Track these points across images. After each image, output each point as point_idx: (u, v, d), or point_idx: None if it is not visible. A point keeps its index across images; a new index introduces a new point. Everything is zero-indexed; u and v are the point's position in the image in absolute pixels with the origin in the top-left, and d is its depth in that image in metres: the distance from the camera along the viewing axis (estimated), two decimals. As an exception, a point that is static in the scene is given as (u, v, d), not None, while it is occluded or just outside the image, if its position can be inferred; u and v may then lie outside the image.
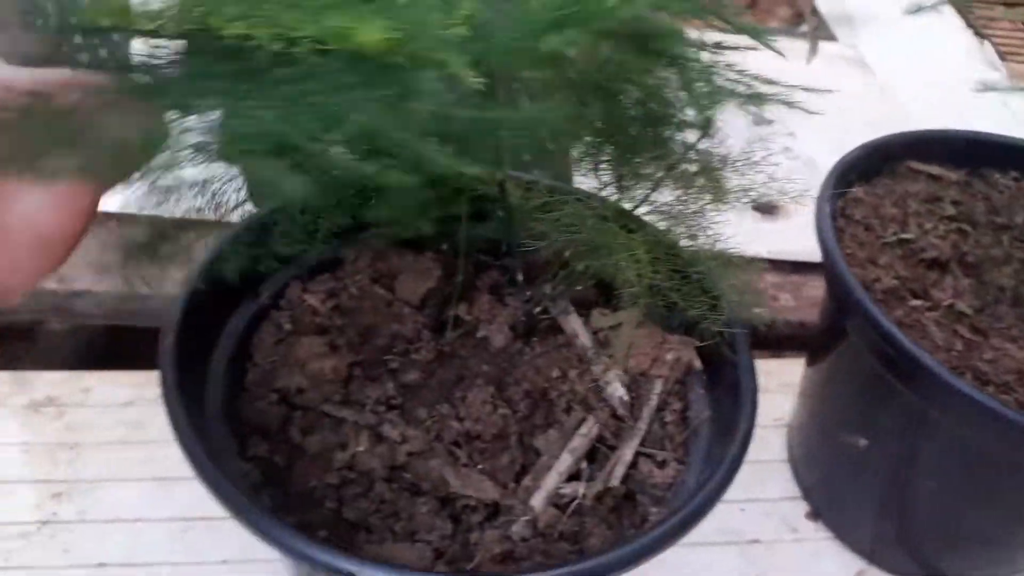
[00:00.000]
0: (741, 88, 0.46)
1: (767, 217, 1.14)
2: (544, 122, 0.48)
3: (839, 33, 1.58)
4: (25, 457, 0.84)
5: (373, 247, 0.70)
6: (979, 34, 1.63)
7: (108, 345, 1.07)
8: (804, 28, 1.21)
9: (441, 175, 0.51)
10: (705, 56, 0.48)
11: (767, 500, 0.88)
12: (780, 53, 0.46)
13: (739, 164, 0.56)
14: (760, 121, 1.42)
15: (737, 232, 0.61)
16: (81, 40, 0.97)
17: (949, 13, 1.72)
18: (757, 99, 0.45)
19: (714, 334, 0.58)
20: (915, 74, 1.47)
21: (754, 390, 0.57)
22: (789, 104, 0.47)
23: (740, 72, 0.48)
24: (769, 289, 1.08)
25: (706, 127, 0.51)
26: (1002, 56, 1.57)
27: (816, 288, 1.09)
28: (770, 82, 0.47)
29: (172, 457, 0.85)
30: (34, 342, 1.12)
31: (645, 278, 0.52)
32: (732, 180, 0.57)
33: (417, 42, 0.41)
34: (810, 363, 0.85)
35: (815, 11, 1.65)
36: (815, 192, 0.76)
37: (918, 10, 1.39)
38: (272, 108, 0.40)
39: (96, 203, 0.38)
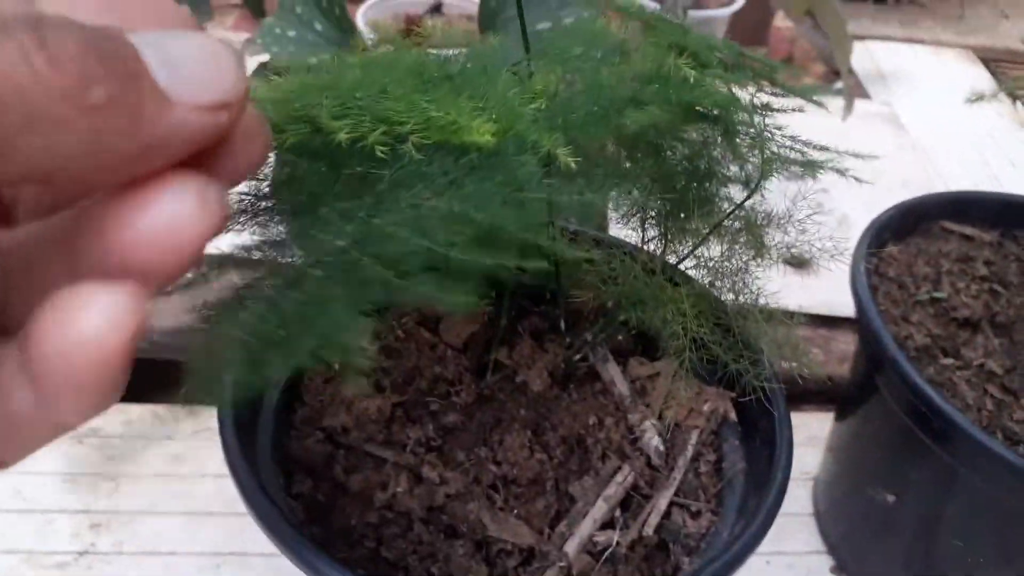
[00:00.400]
0: (795, 155, 0.48)
1: (798, 271, 1.15)
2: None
3: (873, 91, 1.60)
4: (67, 487, 0.86)
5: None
6: (1012, 95, 1.65)
7: (154, 378, 1.09)
8: (839, 85, 1.23)
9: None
10: (756, 119, 0.50)
11: (792, 553, 0.88)
12: (826, 109, 0.48)
13: (782, 222, 0.58)
14: (793, 176, 1.44)
15: (768, 286, 0.63)
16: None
17: (981, 74, 1.74)
18: (811, 167, 0.47)
19: (751, 387, 0.60)
20: (948, 133, 1.49)
21: (790, 443, 0.58)
22: (841, 172, 0.48)
23: (792, 138, 0.50)
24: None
25: (753, 186, 0.53)
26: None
27: (845, 343, 1.10)
28: (823, 148, 0.49)
29: (207, 492, 0.88)
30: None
31: (690, 331, 0.54)
32: (774, 237, 0.58)
33: (518, 126, 0.42)
34: (839, 418, 0.86)
35: (851, 69, 1.67)
36: (849, 248, 0.78)
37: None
38: (403, 223, 0.40)
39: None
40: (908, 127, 1.48)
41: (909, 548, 0.77)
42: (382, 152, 0.39)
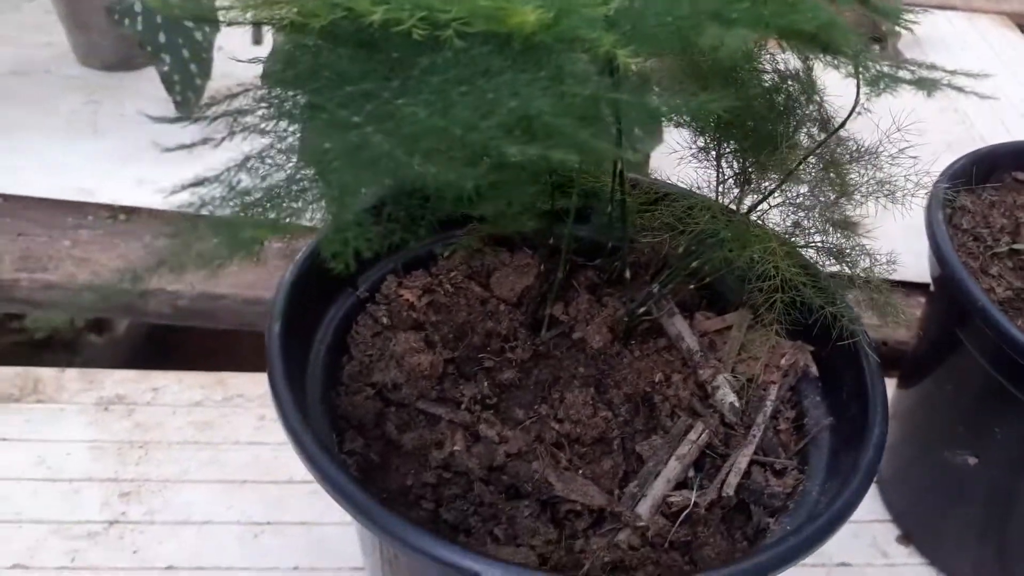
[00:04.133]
0: (905, 74, 0.44)
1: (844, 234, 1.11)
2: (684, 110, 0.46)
3: (909, 56, 1.55)
4: (94, 455, 0.82)
5: (468, 245, 0.68)
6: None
7: (179, 345, 1.06)
8: (878, 48, 1.19)
9: (557, 168, 0.48)
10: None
11: (856, 522, 0.83)
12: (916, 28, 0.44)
13: (869, 157, 0.54)
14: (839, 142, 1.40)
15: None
16: (165, 40, 0.97)
17: (1018, 39, 1.69)
18: (925, 84, 0.43)
19: (837, 338, 0.56)
20: (991, 96, 1.44)
21: (884, 395, 0.54)
22: (959, 89, 0.44)
23: (895, 58, 0.45)
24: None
25: (853, 107, 0.48)
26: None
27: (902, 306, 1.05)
28: (932, 67, 0.45)
29: (240, 460, 0.84)
30: (76, 349, 1.11)
31: (782, 271, 0.49)
32: (863, 174, 0.54)
33: (568, 21, 0.39)
34: (905, 383, 0.81)
35: (879, 39, 1.63)
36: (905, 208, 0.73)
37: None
38: (424, 104, 0.37)
39: None
40: (947, 90, 1.44)
41: (985, 515, 0.73)
42: (419, 36, 0.36)
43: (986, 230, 0.74)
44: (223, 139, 0.39)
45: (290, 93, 0.42)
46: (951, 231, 0.74)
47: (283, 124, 0.40)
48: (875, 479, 0.86)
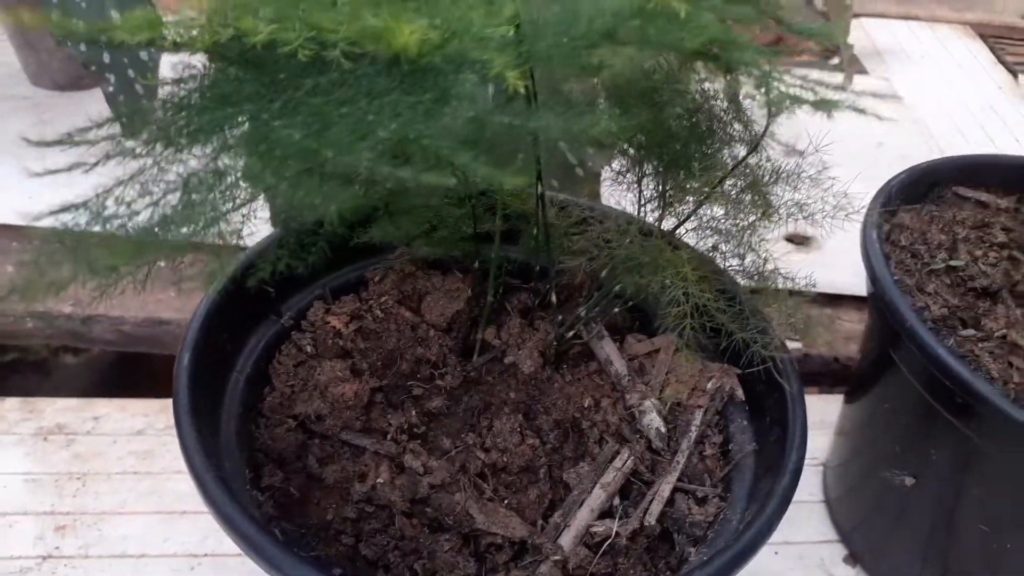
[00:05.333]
0: (807, 95, 0.43)
1: (800, 248, 1.11)
2: (585, 133, 0.45)
3: (871, 66, 1.55)
4: (29, 487, 0.81)
5: (399, 267, 0.67)
6: (1012, 71, 1.60)
7: (122, 373, 1.04)
8: (836, 60, 1.18)
9: (480, 191, 0.47)
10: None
11: (803, 543, 0.83)
12: (835, 44, 0.43)
13: (791, 178, 0.53)
14: (792, 152, 1.39)
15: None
16: (110, 60, 0.96)
17: (980, 49, 1.70)
18: (825, 105, 0.42)
19: (759, 362, 0.55)
20: (948, 107, 1.45)
21: (804, 421, 0.53)
22: (859, 111, 0.43)
23: (803, 78, 0.45)
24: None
25: (762, 132, 0.48)
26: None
27: (851, 322, 1.05)
28: (839, 88, 0.44)
29: (180, 489, 0.83)
30: (47, 370, 1.10)
31: (693, 297, 0.48)
32: (782, 194, 0.53)
33: (458, 42, 0.38)
34: (850, 399, 0.81)
35: (849, 44, 1.63)
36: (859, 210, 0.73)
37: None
38: (300, 126, 0.37)
39: None
40: (907, 101, 1.44)
41: (929, 535, 0.72)
42: (305, 57, 0.36)
43: (924, 247, 0.74)
44: (96, 164, 0.38)
45: (172, 115, 0.41)
46: (889, 248, 0.74)
47: (159, 148, 0.39)
48: (823, 499, 0.86)
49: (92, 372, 1.09)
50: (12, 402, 0.88)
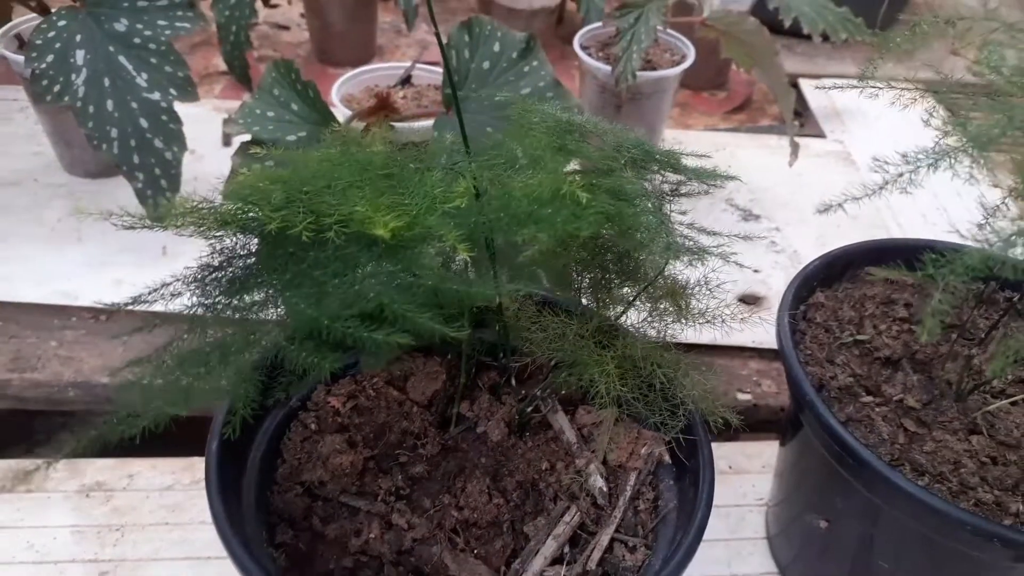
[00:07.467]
0: (690, 244, 0.56)
1: (751, 308, 1.23)
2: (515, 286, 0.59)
3: (828, 128, 1.68)
4: (76, 538, 0.94)
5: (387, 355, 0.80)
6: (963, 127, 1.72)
7: (152, 432, 1.17)
8: (798, 124, 1.31)
9: (449, 299, 0.60)
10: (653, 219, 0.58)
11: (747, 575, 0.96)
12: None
13: (696, 289, 0.66)
14: (748, 217, 1.53)
15: (729, 322, 0.69)
16: (138, 160, 1.10)
17: (935, 107, 1.82)
18: (700, 254, 0.55)
19: (680, 432, 0.68)
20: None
21: (711, 483, 0.66)
22: (725, 259, 0.56)
23: (689, 226, 0.58)
24: (753, 375, 1.16)
25: (655, 272, 0.61)
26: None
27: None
28: (714, 234, 0.57)
29: (206, 538, 0.96)
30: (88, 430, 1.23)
31: (613, 391, 0.62)
32: (694, 302, 0.66)
33: (422, 223, 0.52)
34: (782, 446, 0.93)
35: (798, 113, 1.76)
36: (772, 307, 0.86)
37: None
38: (305, 297, 0.50)
39: None
40: (859, 164, 1.56)
41: (849, 571, 0.84)
42: (307, 238, 0.49)
43: (835, 323, 0.86)
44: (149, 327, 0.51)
45: (208, 277, 0.55)
46: (806, 325, 0.86)
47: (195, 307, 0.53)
48: (766, 535, 0.98)
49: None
50: (58, 463, 1.02)
